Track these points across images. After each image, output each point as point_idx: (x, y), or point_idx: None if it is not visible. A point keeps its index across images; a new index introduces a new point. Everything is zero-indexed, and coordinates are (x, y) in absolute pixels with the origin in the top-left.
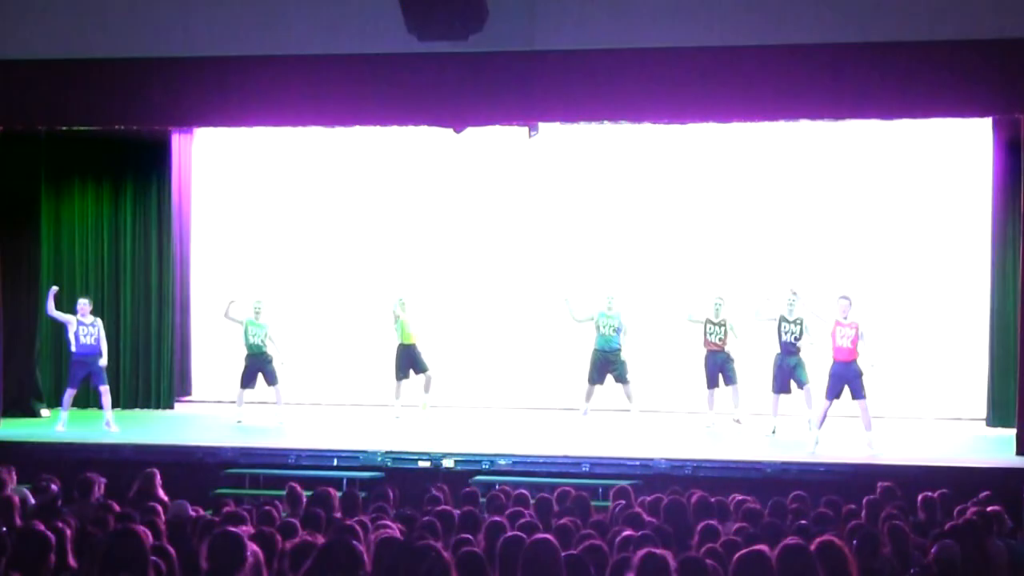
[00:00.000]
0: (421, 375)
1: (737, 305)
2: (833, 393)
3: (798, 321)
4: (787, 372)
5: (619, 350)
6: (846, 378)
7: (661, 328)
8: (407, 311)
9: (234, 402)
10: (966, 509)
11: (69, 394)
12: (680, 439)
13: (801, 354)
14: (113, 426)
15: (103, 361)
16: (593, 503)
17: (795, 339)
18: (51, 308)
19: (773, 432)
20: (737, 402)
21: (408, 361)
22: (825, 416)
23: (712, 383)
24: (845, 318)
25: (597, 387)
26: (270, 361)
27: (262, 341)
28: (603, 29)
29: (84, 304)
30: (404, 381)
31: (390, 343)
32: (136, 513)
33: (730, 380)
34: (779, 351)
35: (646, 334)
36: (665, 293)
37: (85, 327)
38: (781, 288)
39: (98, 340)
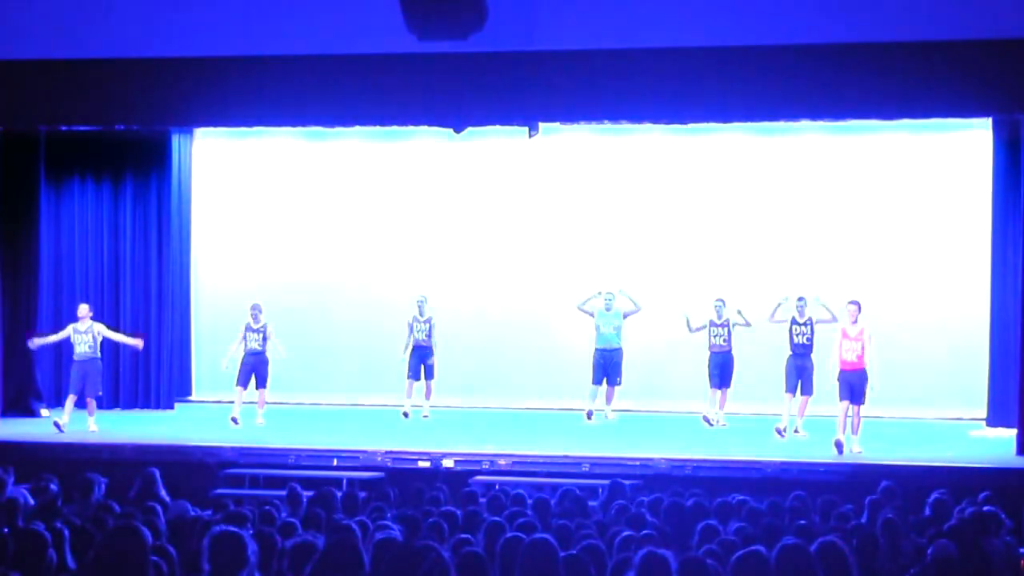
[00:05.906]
0: (426, 382)
1: (752, 306)
2: (845, 398)
3: (808, 323)
4: (798, 374)
5: (619, 350)
6: (853, 383)
7: (661, 329)
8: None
9: (233, 402)
10: (965, 509)
11: (70, 400)
12: (680, 439)
13: (812, 356)
14: (92, 426)
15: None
16: (592, 503)
17: (807, 340)
18: (47, 341)
19: (783, 432)
20: (722, 404)
21: (420, 362)
22: (846, 419)
23: (714, 383)
24: (854, 323)
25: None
26: (266, 363)
27: (259, 344)
28: (603, 29)
29: (82, 310)
30: (416, 383)
31: (391, 343)
32: (136, 513)
33: (724, 383)
34: (790, 353)
35: (646, 335)
36: (666, 294)
37: (80, 335)
38: (793, 292)
39: (93, 347)
